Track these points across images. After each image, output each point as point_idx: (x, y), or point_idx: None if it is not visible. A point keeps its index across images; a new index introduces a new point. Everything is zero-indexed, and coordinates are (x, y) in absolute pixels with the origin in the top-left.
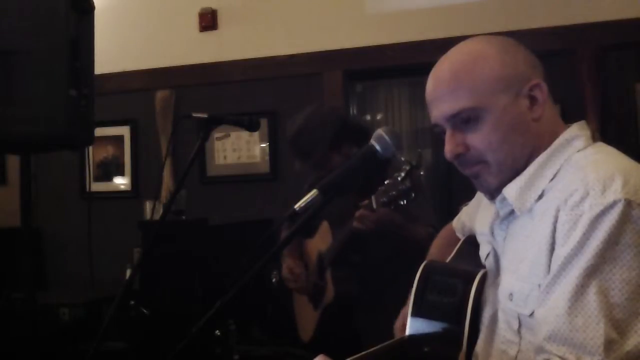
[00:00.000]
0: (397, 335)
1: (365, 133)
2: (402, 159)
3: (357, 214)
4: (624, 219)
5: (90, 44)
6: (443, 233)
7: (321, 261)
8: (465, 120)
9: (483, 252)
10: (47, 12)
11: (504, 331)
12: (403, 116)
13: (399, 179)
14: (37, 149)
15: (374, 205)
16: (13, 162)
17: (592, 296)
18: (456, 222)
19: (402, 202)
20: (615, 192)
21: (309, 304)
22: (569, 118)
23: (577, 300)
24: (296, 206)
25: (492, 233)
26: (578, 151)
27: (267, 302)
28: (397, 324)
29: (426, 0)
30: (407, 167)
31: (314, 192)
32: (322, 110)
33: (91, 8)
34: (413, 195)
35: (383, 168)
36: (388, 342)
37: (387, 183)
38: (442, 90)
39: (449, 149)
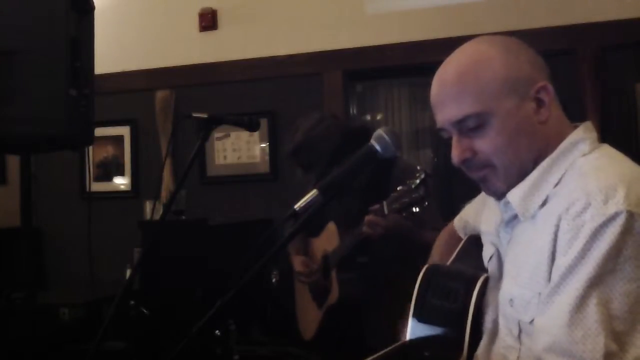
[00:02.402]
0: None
1: (367, 137)
2: (418, 167)
3: (367, 219)
4: (626, 231)
5: (90, 44)
6: (444, 233)
7: (326, 261)
8: (471, 125)
9: (486, 253)
10: (47, 12)
11: (505, 336)
12: (403, 116)
13: (413, 186)
14: (37, 149)
15: (385, 211)
16: (13, 162)
17: (592, 308)
18: (457, 221)
19: (414, 210)
20: (617, 203)
21: (312, 302)
22: (568, 118)
23: (577, 311)
24: (296, 206)
25: (498, 235)
26: (583, 155)
27: (267, 302)
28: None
29: (426, 0)
30: (422, 175)
31: (313, 192)
32: (323, 124)
33: (91, 8)
34: (426, 203)
35: (388, 170)
36: (389, 348)
37: (400, 189)
38: (447, 95)
39: (455, 154)
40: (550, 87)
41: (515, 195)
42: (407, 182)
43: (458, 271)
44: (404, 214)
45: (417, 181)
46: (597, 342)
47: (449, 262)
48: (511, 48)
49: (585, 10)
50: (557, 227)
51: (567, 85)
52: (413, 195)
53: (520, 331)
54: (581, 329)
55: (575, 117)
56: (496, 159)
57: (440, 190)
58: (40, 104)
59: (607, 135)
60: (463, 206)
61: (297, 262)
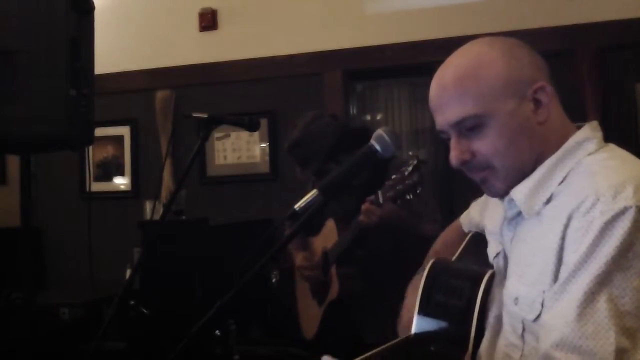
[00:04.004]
0: (400, 329)
1: (365, 137)
2: (410, 153)
3: (363, 207)
4: (636, 226)
5: (90, 44)
6: (450, 228)
7: (326, 258)
8: (470, 127)
9: (492, 250)
10: (47, 12)
11: (509, 334)
12: (403, 116)
13: (406, 173)
14: (37, 149)
15: (380, 200)
16: (13, 162)
17: (602, 304)
18: (464, 217)
19: (408, 196)
20: (627, 198)
21: (313, 300)
22: (568, 118)
23: (587, 307)
24: (296, 206)
25: (502, 233)
26: (589, 154)
27: (267, 302)
28: (402, 319)
29: (426, 0)
30: (414, 162)
31: (314, 192)
32: (320, 121)
33: (91, 8)
34: (419, 189)
35: (385, 167)
36: (394, 341)
37: (394, 177)
38: (446, 97)
39: (454, 156)
40: (548, 88)
41: (519, 192)
42: (401, 169)
43: (464, 268)
44: (398, 202)
45: (410, 168)
46: (608, 337)
47: (453, 258)
48: (511, 49)
49: (585, 10)
50: (566, 225)
51: (567, 85)
52: (406, 182)
53: (524, 329)
54: (591, 324)
55: (575, 117)
56: (496, 160)
57: (440, 188)
58: (40, 104)
59: (607, 135)
60: (472, 201)
61: (299, 257)
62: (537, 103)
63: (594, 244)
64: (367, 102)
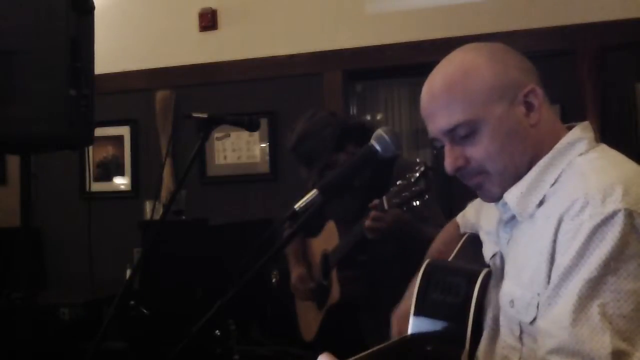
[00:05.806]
0: (394, 326)
1: (367, 130)
2: (417, 159)
3: (372, 214)
4: (627, 230)
5: (90, 44)
6: (447, 228)
7: (326, 260)
8: (462, 134)
9: (487, 251)
10: (47, 12)
11: (506, 336)
12: (403, 116)
13: (412, 180)
14: (37, 149)
15: (385, 206)
16: (13, 162)
17: (595, 308)
18: (461, 218)
19: (415, 203)
20: (616, 202)
21: (312, 303)
22: (569, 118)
23: (581, 312)
24: (296, 206)
25: (498, 234)
26: (580, 155)
27: (267, 302)
28: (395, 317)
29: (426, 0)
30: (422, 168)
31: (313, 192)
32: (320, 114)
33: (91, 8)
34: (427, 196)
35: (389, 168)
36: (390, 341)
37: (400, 184)
38: (436, 106)
39: (448, 163)
40: (538, 90)
41: (512, 195)
42: (407, 175)
43: (459, 266)
44: (404, 209)
45: (417, 174)
46: (604, 341)
47: (449, 259)
48: (498, 54)
49: (585, 10)
50: (557, 228)
51: (567, 85)
52: (413, 189)
53: (521, 332)
54: (587, 328)
55: (575, 117)
56: (489, 165)
57: (439, 189)
58: (40, 104)
59: (607, 135)
60: (468, 203)
61: (294, 275)
62: (529, 106)
63: (583, 248)
64: (367, 102)
